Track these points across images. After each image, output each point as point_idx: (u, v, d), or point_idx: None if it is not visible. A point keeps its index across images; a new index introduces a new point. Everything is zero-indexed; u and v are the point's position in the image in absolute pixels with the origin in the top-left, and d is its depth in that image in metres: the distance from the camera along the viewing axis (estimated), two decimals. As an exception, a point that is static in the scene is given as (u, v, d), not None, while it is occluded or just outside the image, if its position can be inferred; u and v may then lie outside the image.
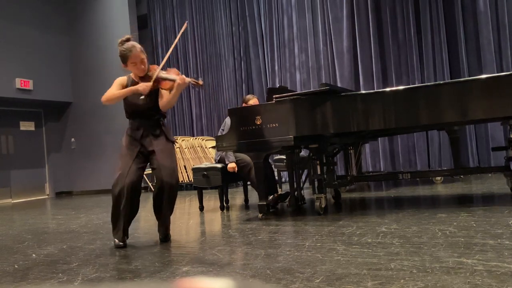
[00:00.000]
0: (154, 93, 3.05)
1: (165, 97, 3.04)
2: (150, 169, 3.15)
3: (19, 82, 8.64)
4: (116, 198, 2.98)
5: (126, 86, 3.07)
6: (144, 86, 2.93)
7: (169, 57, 3.24)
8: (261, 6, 8.17)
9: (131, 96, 3.03)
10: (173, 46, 3.22)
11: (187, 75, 10.45)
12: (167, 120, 9.39)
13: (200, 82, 3.06)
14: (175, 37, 9.26)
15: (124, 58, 3.02)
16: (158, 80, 2.97)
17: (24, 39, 8.84)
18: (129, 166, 2.98)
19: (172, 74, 3.02)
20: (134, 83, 3.06)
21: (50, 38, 9.45)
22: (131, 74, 3.13)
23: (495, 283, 1.61)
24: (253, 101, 4.68)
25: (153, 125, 3.09)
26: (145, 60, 3.06)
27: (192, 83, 3.02)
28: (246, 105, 4.63)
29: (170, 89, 2.99)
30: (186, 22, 3.41)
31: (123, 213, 2.98)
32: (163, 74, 3.00)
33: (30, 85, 8.86)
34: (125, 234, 3.05)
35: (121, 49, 3.01)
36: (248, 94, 8.35)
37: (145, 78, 3.03)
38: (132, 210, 3.04)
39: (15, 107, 9.31)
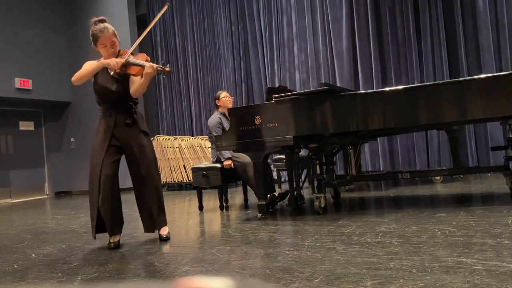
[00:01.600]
0: (124, 79, 2.98)
1: (136, 84, 2.97)
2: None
3: (18, 82, 8.64)
4: (92, 196, 2.94)
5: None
6: (114, 62, 2.85)
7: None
8: (260, 6, 8.17)
9: (102, 79, 2.98)
10: (148, 29, 3.14)
11: (186, 75, 10.36)
12: (167, 120, 9.40)
13: (167, 69, 2.96)
14: (175, 37, 9.33)
15: (95, 38, 2.98)
16: (127, 65, 2.92)
17: (24, 39, 8.84)
18: (101, 161, 2.95)
19: (141, 59, 2.95)
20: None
21: (50, 38, 9.45)
22: (101, 59, 3.04)
23: (494, 283, 1.61)
24: (224, 94, 4.86)
25: (125, 113, 3.02)
26: (116, 44, 3.01)
27: (159, 69, 2.93)
28: (219, 101, 4.82)
29: (137, 75, 2.93)
30: (167, 4, 3.36)
31: (101, 209, 2.92)
32: (132, 59, 2.94)
33: (29, 85, 8.85)
34: (115, 232, 2.99)
35: (93, 29, 2.98)
36: (248, 94, 8.39)
37: None
38: (113, 204, 2.96)
39: (14, 107, 9.31)
